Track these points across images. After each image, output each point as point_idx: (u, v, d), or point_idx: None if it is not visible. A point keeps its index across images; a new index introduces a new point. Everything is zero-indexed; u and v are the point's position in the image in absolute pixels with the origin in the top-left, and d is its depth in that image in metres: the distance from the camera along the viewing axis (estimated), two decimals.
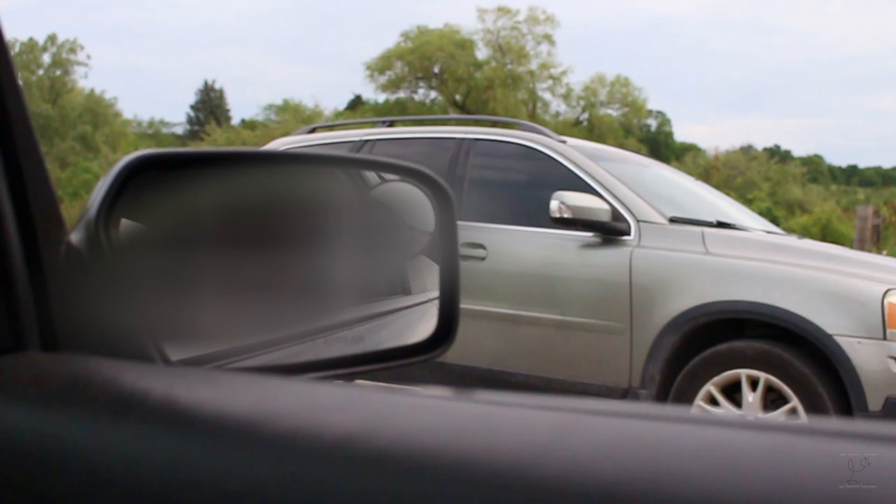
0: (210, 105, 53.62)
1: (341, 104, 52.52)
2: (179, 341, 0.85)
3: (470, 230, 5.35)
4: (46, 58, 47.91)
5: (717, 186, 17.57)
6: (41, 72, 47.08)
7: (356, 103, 49.39)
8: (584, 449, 0.44)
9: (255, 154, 1.11)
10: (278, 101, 53.27)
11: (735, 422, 0.45)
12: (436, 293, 1.10)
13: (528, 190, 5.67)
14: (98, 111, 48.40)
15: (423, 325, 1.09)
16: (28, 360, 0.77)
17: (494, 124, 6.46)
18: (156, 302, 0.85)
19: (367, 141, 6.09)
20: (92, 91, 49.74)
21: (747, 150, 48.28)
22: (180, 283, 0.90)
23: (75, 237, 0.80)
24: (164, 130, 53.00)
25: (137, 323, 0.81)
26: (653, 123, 46.29)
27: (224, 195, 0.96)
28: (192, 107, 54.00)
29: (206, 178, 0.94)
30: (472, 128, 6.14)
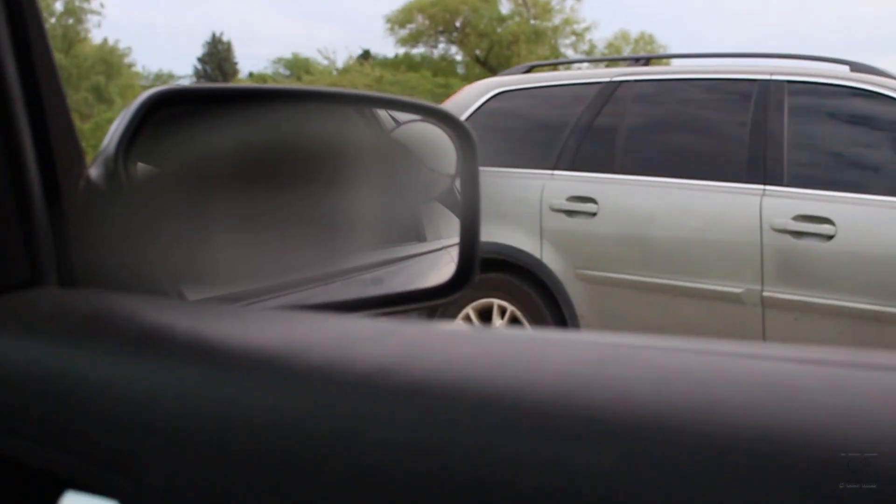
0: (218, 58, 53.24)
1: (348, 59, 52.24)
2: (196, 281, 0.85)
3: (804, 200, 4.22)
4: (59, 6, 46.50)
5: None
6: (53, 20, 45.64)
7: (365, 59, 49.13)
8: (627, 379, 0.43)
9: (275, 91, 1.10)
10: (287, 55, 52.73)
11: (782, 355, 0.44)
12: (449, 241, 1.09)
13: (876, 149, 4.38)
14: (111, 62, 47.44)
15: (440, 272, 1.08)
16: (46, 296, 0.77)
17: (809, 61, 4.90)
18: (173, 240, 0.85)
19: (620, 83, 4.95)
20: (105, 41, 48.79)
21: None
22: (197, 222, 0.89)
23: (94, 172, 0.80)
24: (173, 83, 52.76)
25: (155, 261, 0.81)
26: None
27: (242, 133, 0.95)
28: (200, 59, 53.53)
29: (225, 116, 0.93)
30: (771, 66, 4.67)
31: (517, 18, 40.79)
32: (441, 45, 42.42)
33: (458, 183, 1.08)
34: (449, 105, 5.30)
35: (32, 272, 0.78)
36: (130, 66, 49.30)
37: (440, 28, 41.12)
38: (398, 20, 41.19)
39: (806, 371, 0.42)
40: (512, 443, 0.43)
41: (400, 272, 1.14)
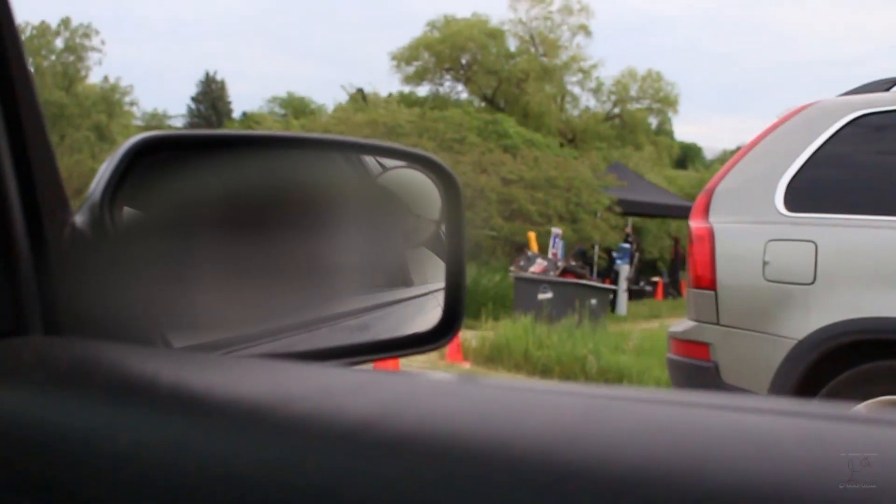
0: (211, 97, 53.10)
1: (342, 97, 52.18)
2: (181, 328, 0.85)
3: None
4: (59, 43, 45.80)
5: None
6: (53, 57, 45.11)
7: (362, 96, 49.06)
8: (613, 432, 0.43)
9: (260, 137, 1.11)
10: (282, 94, 52.22)
11: (766, 407, 0.44)
12: (435, 286, 1.09)
13: None
14: (113, 100, 46.59)
15: (426, 317, 1.08)
16: (31, 344, 0.76)
17: None
18: (158, 287, 0.85)
19: None
20: (105, 79, 47.89)
21: None
22: (183, 268, 0.89)
23: (80, 219, 0.80)
24: (167, 123, 51.97)
25: (140, 308, 0.81)
26: (653, 122, 45.17)
27: (228, 179, 0.95)
28: (193, 98, 53.35)
29: (210, 162, 0.93)
30: None
31: (525, 56, 40.04)
32: (447, 83, 41.69)
33: (443, 228, 1.09)
34: (781, 132, 4.36)
35: (17, 320, 0.77)
36: (132, 104, 48.71)
37: (447, 65, 40.37)
38: (404, 57, 40.43)
39: (791, 424, 0.42)
40: (498, 497, 0.43)
41: (386, 317, 1.14)
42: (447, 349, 10.05)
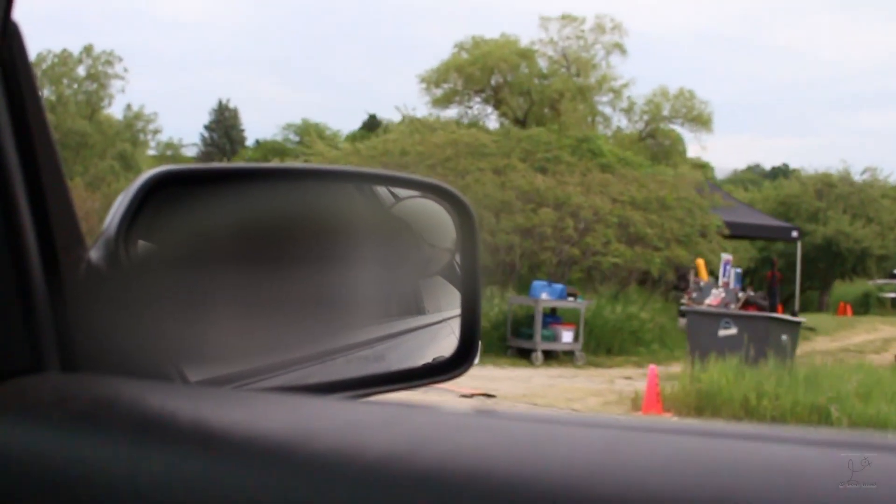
0: (224, 125, 53.17)
1: (354, 124, 52.08)
2: (197, 362, 0.85)
3: None
4: (82, 71, 44.80)
5: None
6: (76, 86, 44.37)
7: (372, 123, 49.06)
8: (637, 467, 0.43)
9: (274, 169, 1.11)
10: (296, 121, 51.63)
11: (791, 437, 0.44)
12: (449, 313, 1.09)
13: None
14: (137, 128, 45.86)
15: (440, 345, 1.08)
16: (49, 381, 0.76)
17: None
18: (174, 321, 0.85)
19: None
20: (128, 106, 46.99)
21: (754, 169, 46.35)
22: (198, 301, 0.89)
23: (95, 255, 0.80)
24: (181, 152, 51.14)
25: (157, 343, 0.81)
26: (667, 141, 44.42)
27: (242, 212, 0.95)
28: (207, 127, 53.41)
29: (224, 195, 0.93)
30: None
31: (559, 76, 38.79)
32: (476, 106, 40.17)
33: (458, 257, 1.09)
34: None
35: (33, 357, 0.78)
36: (156, 132, 47.79)
37: (478, 87, 39.00)
38: (433, 80, 39.12)
39: (816, 454, 0.42)
40: None
41: (401, 346, 1.13)
42: (643, 399, 9.32)
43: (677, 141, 39.92)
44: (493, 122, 38.49)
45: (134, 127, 46.21)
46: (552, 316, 14.59)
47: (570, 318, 14.78)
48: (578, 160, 22.06)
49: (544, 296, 14.56)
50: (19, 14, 0.79)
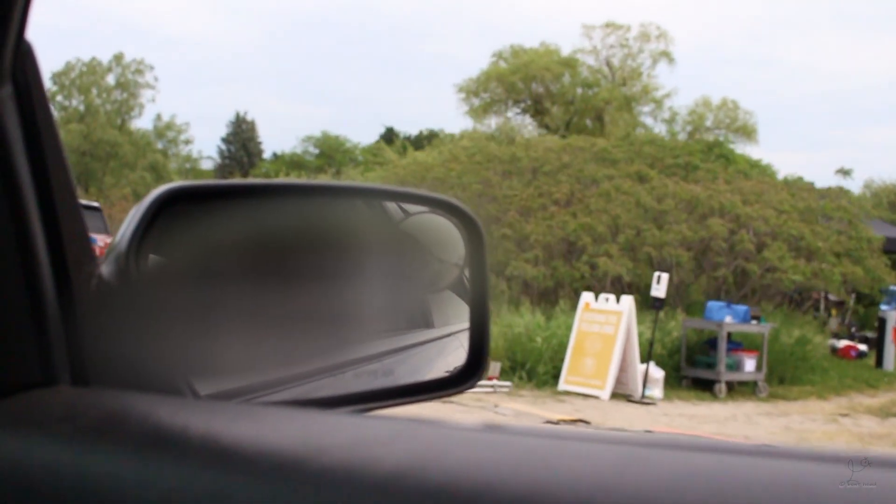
0: (242, 138, 52.84)
1: (371, 137, 51.60)
2: (207, 375, 0.85)
3: None
4: (111, 79, 43.73)
5: None
6: (105, 95, 43.44)
7: (390, 136, 48.88)
8: (646, 483, 0.43)
9: (283, 185, 1.12)
10: (315, 133, 49.80)
11: (804, 454, 0.44)
12: (458, 326, 1.09)
13: None
14: (169, 138, 44.76)
15: (447, 359, 1.09)
16: (59, 395, 0.77)
17: None
18: (185, 335, 0.85)
19: None
20: (158, 116, 45.81)
21: None
22: (208, 316, 0.90)
23: (106, 270, 0.81)
24: (200, 165, 49.32)
25: (167, 357, 0.81)
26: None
27: (251, 227, 0.96)
28: (224, 139, 53.10)
29: (234, 210, 0.94)
30: None
31: (605, 85, 37.49)
32: (512, 116, 38.64)
33: (466, 272, 1.09)
34: None
35: (45, 372, 0.78)
36: (187, 142, 46.63)
37: (521, 97, 37.66)
38: (473, 89, 37.85)
39: (830, 471, 0.42)
40: None
41: (409, 360, 1.14)
42: None
43: (730, 151, 38.34)
44: (529, 132, 36.86)
45: (165, 137, 45.05)
46: (731, 342, 12.69)
47: (749, 344, 13.07)
48: (712, 167, 20.33)
49: (728, 319, 12.62)
50: (32, 33, 0.80)
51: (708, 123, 37.76)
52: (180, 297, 0.87)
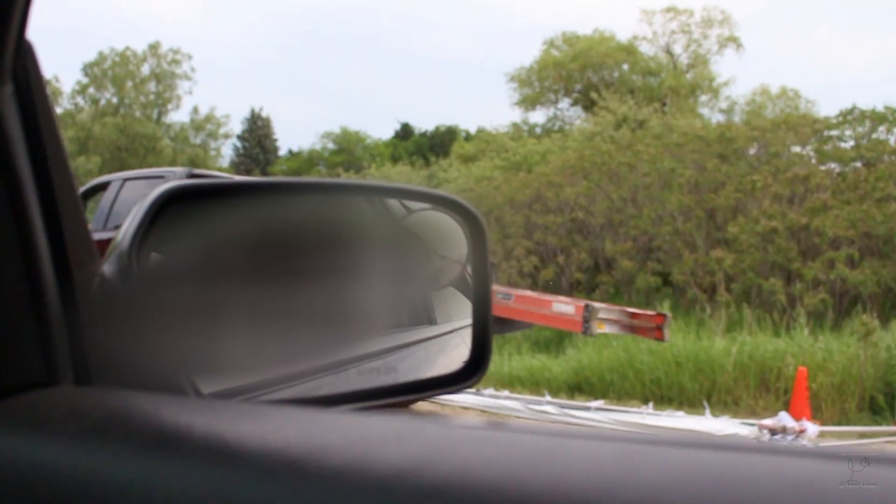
0: (257, 134, 52.38)
1: (385, 133, 51.03)
2: (209, 373, 0.85)
3: None
4: (146, 70, 41.11)
5: None
6: (140, 86, 41.07)
7: (406, 132, 48.66)
8: (650, 481, 0.43)
9: (284, 183, 1.12)
10: (334, 129, 48.22)
11: (806, 452, 0.44)
12: (460, 323, 1.10)
13: None
14: (209, 132, 42.21)
15: (449, 356, 1.09)
16: (62, 395, 0.77)
17: None
18: (187, 334, 0.86)
19: None
20: (195, 108, 43.42)
21: None
22: (210, 314, 0.90)
23: (108, 269, 0.81)
24: (219, 163, 47.37)
25: (169, 355, 0.82)
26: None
27: (253, 225, 0.96)
28: (239, 136, 52.46)
29: (237, 208, 0.95)
30: None
31: (667, 73, 35.30)
32: (563, 107, 36.57)
33: (469, 269, 1.09)
34: None
35: (47, 371, 0.78)
36: (226, 136, 44.46)
37: (570, 87, 35.65)
38: (523, 79, 36.08)
39: (832, 469, 0.42)
40: None
41: (411, 357, 1.14)
42: None
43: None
44: (579, 125, 34.18)
45: (204, 130, 42.91)
46: None
47: None
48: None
49: None
50: (33, 33, 0.80)
51: (768, 113, 33.88)
52: (182, 296, 0.88)
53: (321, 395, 0.98)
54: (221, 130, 44.02)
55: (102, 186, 10.27)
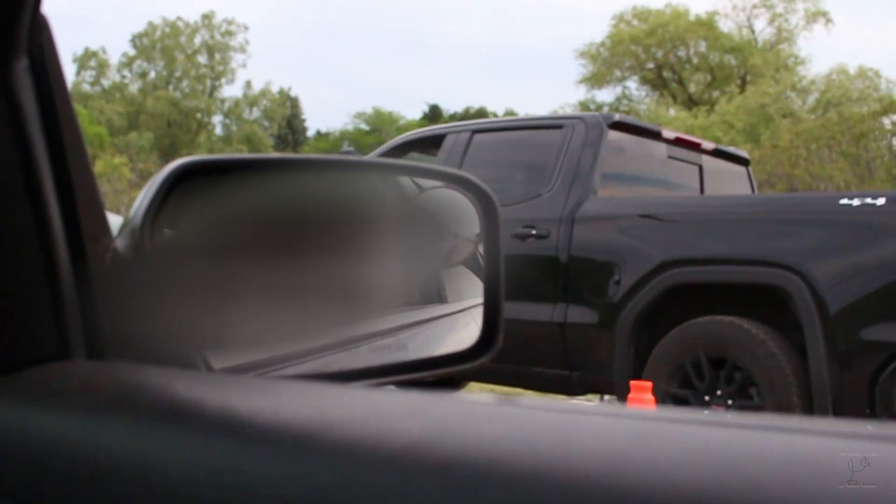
0: (287, 115, 52.49)
1: (413, 116, 50.61)
2: (220, 349, 0.86)
3: None
4: (198, 42, 39.44)
5: None
6: (192, 59, 39.34)
7: (434, 113, 48.06)
8: (662, 458, 0.43)
9: (298, 160, 1.12)
10: (366, 110, 46.54)
11: (820, 430, 0.44)
12: (471, 302, 1.10)
13: None
14: (267, 109, 40.68)
15: (463, 333, 1.09)
16: (75, 369, 0.78)
17: None
18: (199, 309, 0.86)
19: None
20: (248, 83, 41.43)
21: None
22: (222, 290, 0.91)
23: (121, 244, 0.82)
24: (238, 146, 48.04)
25: (181, 331, 0.82)
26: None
27: (266, 201, 0.96)
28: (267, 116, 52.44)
29: (249, 185, 0.95)
30: None
31: (755, 49, 33.36)
32: (630, 85, 34.55)
33: (481, 247, 1.09)
34: None
35: (60, 345, 0.79)
36: (284, 116, 42.15)
37: (644, 64, 33.52)
38: (594, 55, 33.78)
39: (846, 447, 0.42)
40: None
41: (422, 335, 1.14)
42: None
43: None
44: (647, 105, 32.30)
45: (258, 104, 40.75)
46: None
47: None
48: None
49: None
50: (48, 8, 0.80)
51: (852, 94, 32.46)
52: (195, 272, 0.88)
53: (333, 371, 0.99)
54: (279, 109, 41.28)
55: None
